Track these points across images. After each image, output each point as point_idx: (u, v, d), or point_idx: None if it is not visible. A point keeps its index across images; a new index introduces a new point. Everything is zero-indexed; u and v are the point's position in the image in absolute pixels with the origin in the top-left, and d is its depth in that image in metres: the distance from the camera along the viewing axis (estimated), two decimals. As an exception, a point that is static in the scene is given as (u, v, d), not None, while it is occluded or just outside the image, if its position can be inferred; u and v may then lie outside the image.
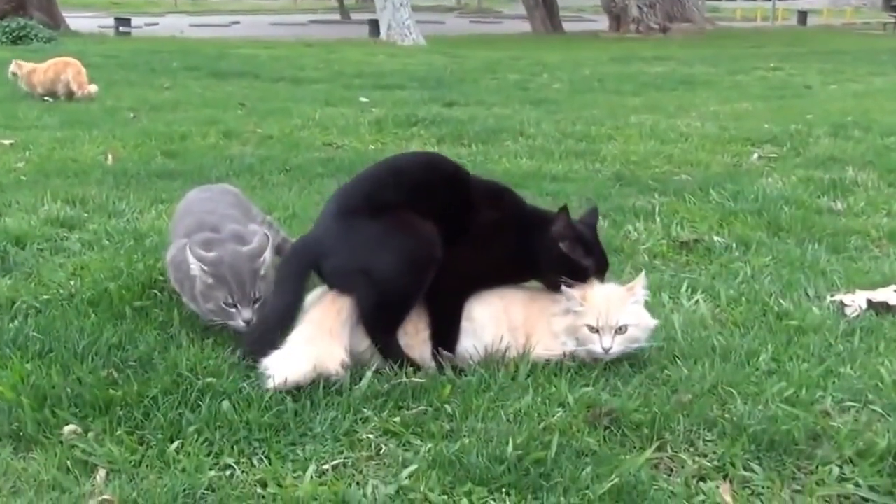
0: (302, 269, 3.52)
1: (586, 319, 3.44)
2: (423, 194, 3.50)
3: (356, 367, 3.35)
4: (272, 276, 3.66)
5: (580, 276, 3.52)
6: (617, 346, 3.43)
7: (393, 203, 3.46)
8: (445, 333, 3.50)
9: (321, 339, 3.32)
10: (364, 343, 3.44)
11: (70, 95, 11.52)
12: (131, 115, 10.25)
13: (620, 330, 3.43)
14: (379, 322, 3.44)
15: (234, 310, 3.61)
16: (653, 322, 3.55)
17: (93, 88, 11.71)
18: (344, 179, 6.78)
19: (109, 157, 7.60)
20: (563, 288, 3.47)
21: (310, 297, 3.51)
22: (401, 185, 3.53)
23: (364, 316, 3.42)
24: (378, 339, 3.44)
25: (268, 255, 3.70)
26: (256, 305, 3.62)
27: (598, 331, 3.43)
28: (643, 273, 3.68)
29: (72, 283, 4.30)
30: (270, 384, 3.16)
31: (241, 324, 3.60)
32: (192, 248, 3.63)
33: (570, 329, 3.47)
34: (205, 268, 3.61)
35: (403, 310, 3.46)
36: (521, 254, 3.55)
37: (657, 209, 5.80)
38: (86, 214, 5.64)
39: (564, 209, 3.55)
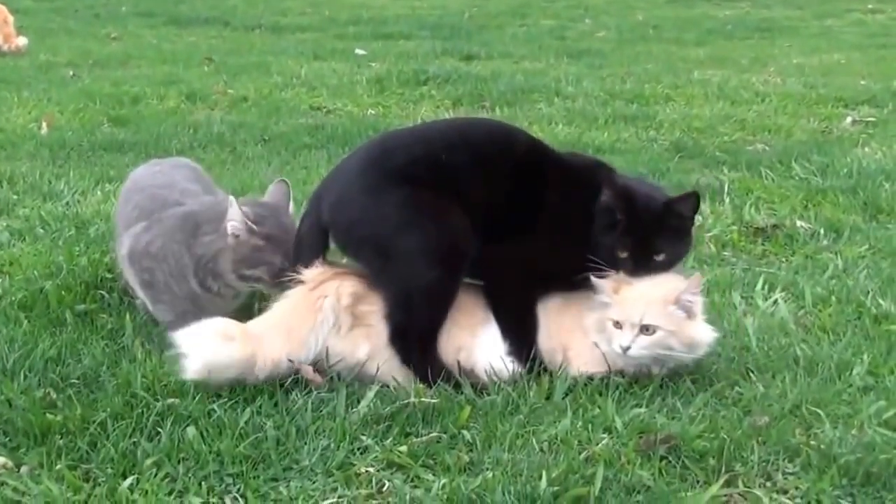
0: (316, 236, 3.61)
1: (611, 313, 3.48)
2: (482, 176, 3.52)
3: (353, 382, 3.38)
4: None
5: (611, 260, 3.51)
6: (639, 347, 3.45)
7: (442, 180, 3.47)
8: (515, 339, 3.53)
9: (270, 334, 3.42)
10: (362, 349, 3.46)
11: (-7, 50, 11.55)
12: (70, 72, 10.26)
13: (646, 330, 3.45)
14: (405, 328, 3.45)
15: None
16: (708, 335, 3.53)
17: (21, 41, 11.72)
18: (336, 151, 6.87)
19: (44, 125, 7.62)
20: (592, 278, 3.49)
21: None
22: (459, 160, 3.52)
23: (387, 316, 3.46)
24: (408, 355, 3.45)
25: None
26: None
27: (621, 326, 3.47)
28: (697, 274, 3.64)
29: (-1, 281, 4.33)
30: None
31: None
32: (235, 205, 3.71)
33: (597, 325, 3.52)
34: (255, 228, 3.70)
35: (432, 309, 3.47)
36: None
37: (726, 187, 5.81)
38: (15, 196, 5.67)
39: (604, 165, 3.63)
